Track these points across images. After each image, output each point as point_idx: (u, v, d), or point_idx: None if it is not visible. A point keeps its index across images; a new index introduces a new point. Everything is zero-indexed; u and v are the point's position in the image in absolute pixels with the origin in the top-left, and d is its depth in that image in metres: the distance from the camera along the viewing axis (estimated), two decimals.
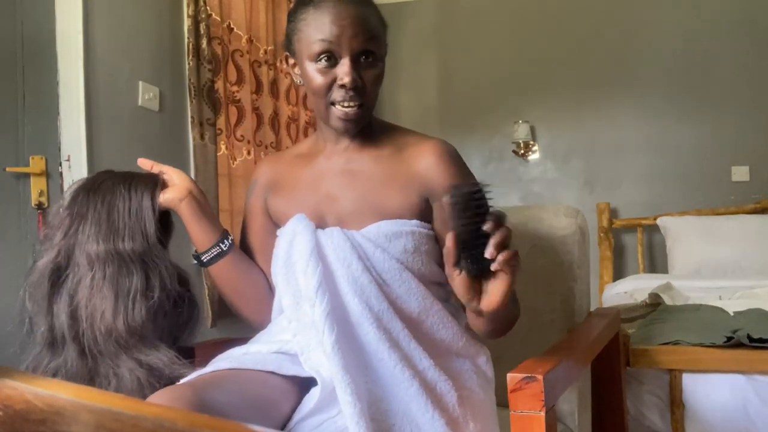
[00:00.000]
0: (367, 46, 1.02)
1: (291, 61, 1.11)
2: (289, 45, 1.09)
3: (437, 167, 1.08)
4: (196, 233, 1.12)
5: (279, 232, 1.11)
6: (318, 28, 1.00)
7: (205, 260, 1.13)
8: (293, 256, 1.03)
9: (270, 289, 1.16)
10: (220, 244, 1.12)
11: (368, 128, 1.11)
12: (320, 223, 1.07)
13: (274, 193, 1.15)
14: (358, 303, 0.97)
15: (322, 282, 0.97)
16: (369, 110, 1.07)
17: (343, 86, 1.01)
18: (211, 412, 0.84)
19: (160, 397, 0.83)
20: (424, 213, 1.08)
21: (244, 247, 1.20)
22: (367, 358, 0.97)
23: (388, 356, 0.96)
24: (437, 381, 0.97)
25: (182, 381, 0.94)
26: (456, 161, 1.11)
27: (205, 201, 1.14)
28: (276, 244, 1.10)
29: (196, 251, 1.14)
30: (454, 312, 1.10)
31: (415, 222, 1.06)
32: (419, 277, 1.03)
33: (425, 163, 1.07)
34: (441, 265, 1.08)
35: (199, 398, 0.84)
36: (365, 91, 1.03)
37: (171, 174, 1.13)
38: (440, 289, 1.09)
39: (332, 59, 1.01)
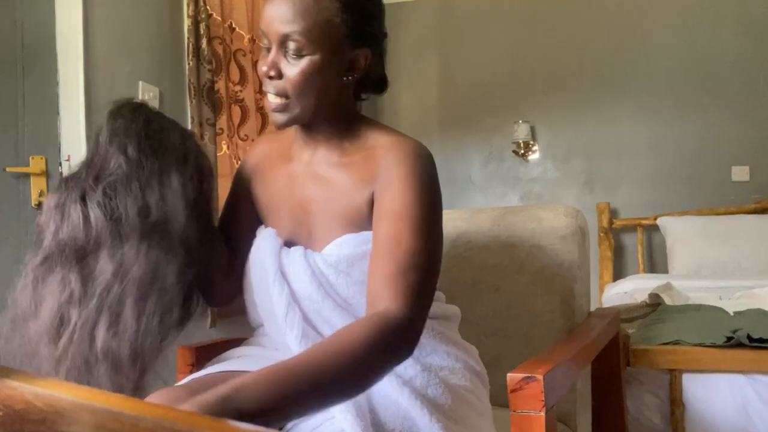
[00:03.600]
0: (287, 32, 0.91)
1: None
2: None
3: (390, 165, 0.96)
4: None
5: (258, 232, 1.09)
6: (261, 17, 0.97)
7: None
8: (264, 279, 1.01)
9: (226, 269, 1.12)
10: None
11: (339, 128, 1.02)
12: (292, 236, 1.04)
13: (257, 182, 1.12)
14: (326, 329, 0.97)
15: (290, 308, 0.96)
16: (302, 107, 0.96)
17: (263, 74, 0.96)
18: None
19: (155, 399, 0.83)
20: None
21: (222, 223, 1.16)
22: None
23: None
24: (428, 386, 0.97)
25: (179, 383, 0.94)
26: (414, 166, 0.97)
27: None
28: (249, 255, 1.06)
29: None
30: (446, 315, 1.10)
31: None
32: None
33: (383, 162, 0.98)
34: None
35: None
36: (287, 84, 0.94)
37: None
38: None
39: (269, 48, 0.95)
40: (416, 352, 0.99)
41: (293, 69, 0.93)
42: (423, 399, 0.94)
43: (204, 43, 2.53)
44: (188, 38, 2.51)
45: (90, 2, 2.13)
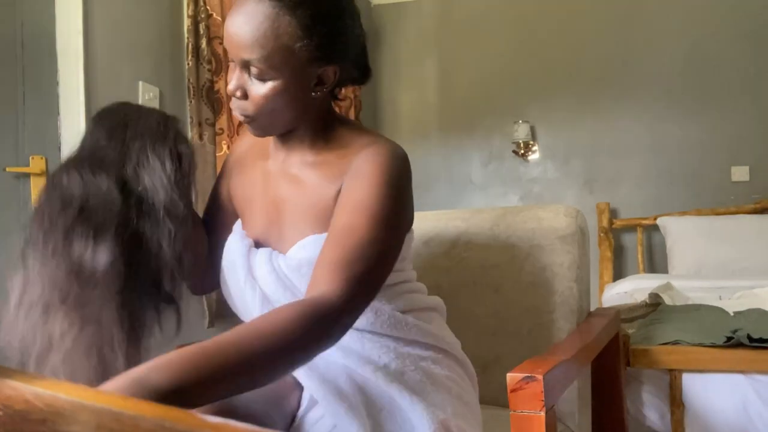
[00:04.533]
0: (249, 60, 0.91)
1: None
2: None
3: (360, 163, 0.96)
4: None
5: (234, 227, 1.09)
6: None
7: None
8: (237, 281, 1.02)
9: (205, 257, 1.12)
10: None
11: (314, 131, 1.03)
12: (264, 233, 1.05)
13: (236, 175, 1.13)
14: None
15: (263, 311, 0.97)
16: (271, 124, 0.98)
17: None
18: (234, 407, 0.85)
19: None
20: None
21: (205, 212, 1.18)
22: (339, 356, 0.98)
23: (346, 360, 0.97)
24: (404, 371, 0.97)
25: None
26: (382, 166, 0.96)
27: None
28: (223, 254, 1.07)
29: None
30: (432, 306, 1.11)
31: None
32: None
33: (355, 160, 0.98)
34: None
35: None
36: (251, 104, 0.94)
37: None
38: (388, 290, 1.05)
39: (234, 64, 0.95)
40: (393, 343, 1.00)
41: (257, 91, 0.93)
42: (399, 382, 0.95)
43: (204, 43, 2.53)
44: (188, 38, 2.51)
45: (90, 2, 2.13)
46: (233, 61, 0.94)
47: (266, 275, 0.99)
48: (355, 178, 0.96)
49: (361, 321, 1.00)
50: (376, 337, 1.00)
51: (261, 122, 0.97)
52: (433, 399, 0.96)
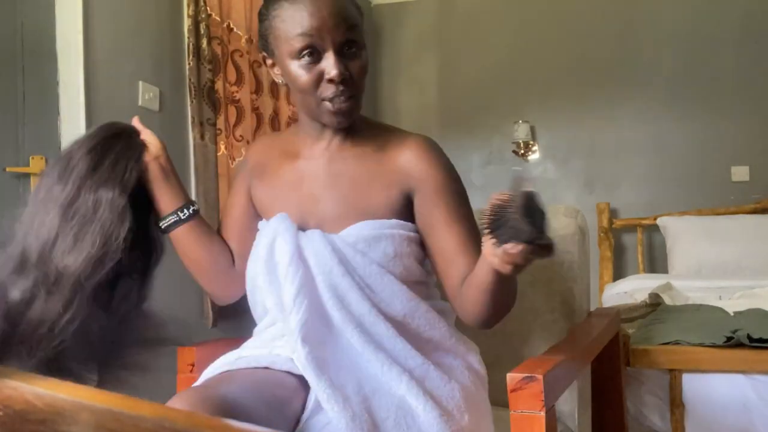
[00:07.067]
0: (349, 36, 0.98)
1: (269, 61, 1.07)
2: (265, 45, 1.05)
3: (418, 161, 1.06)
4: (160, 197, 1.08)
5: (260, 225, 1.11)
6: (296, 23, 0.96)
7: (163, 226, 1.09)
8: (275, 257, 1.02)
9: (230, 264, 1.15)
10: (179, 212, 1.09)
11: (350, 125, 1.08)
12: (302, 224, 1.06)
13: (258, 180, 1.14)
14: (338, 308, 0.98)
15: (302, 289, 0.97)
16: (359, 102, 1.05)
17: (331, 81, 0.98)
18: (235, 412, 0.85)
19: (183, 399, 0.83)
20: (405, 210, 1.07)
21: (223, 223, 1.19)
22: (355, 359, 0.98)
23: (374, 357, 0.96)
24: (426, 377, 0.98)
25: (197, 383, 0.95)
26: (438, 155, 1.08)
27: (172, 168, 1.10)
28: (256, 240, 1.09)
29: (156, 216, 1.10)
30: (443, 310, 1.11)
31: (395, 222, 1.04)
32: (402, 279, 1.03)
33: (406, 158, 1.06)
34: (423, 265, 1.10)
35: (224, 399, 0.84)
36: (354, 82, 1.00)
37: (146, 136, 1.07)
38: (425, 288, 1.09)
39: (315, 54, 0.97)
40: (423, 345, 1.02)
41: (356, 68, 1.00)
42: (421, 388, 0.95)
43: (204, 42, 2.53)
44: (188, 38, 2.51)
45: (90, 2, 2.13)
46: (318, 50, 0.98)
47: (321, 249, 1.01)
48: (434, 191, 1.05)
49: (397, 320, 1.01)
50: (409, 338, 1.01)
51: (356, 102, 1.03)
52: (449, 407, 0.96)
